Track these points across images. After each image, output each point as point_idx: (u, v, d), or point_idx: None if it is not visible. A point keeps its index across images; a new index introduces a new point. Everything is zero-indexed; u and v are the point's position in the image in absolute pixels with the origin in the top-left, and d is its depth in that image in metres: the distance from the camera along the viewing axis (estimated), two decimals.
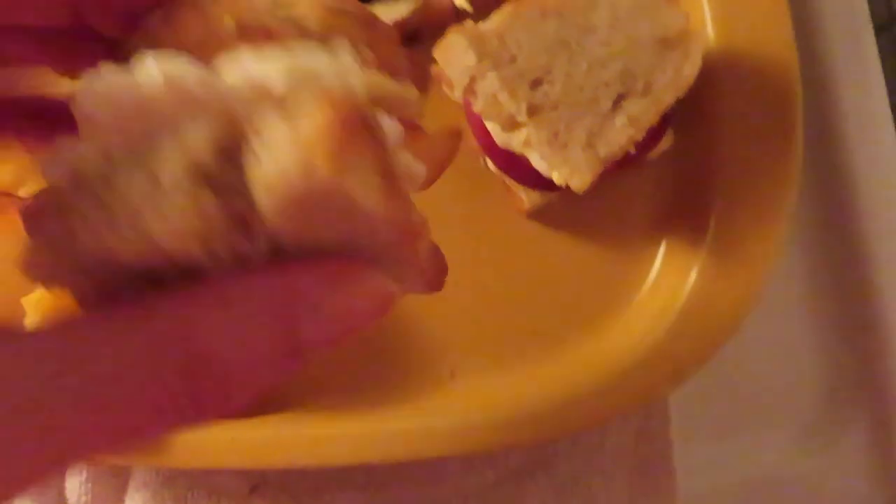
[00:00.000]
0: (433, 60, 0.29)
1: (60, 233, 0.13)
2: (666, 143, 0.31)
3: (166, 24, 0.15)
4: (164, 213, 0.12)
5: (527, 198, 0.31)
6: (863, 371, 0.35)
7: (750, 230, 0.30)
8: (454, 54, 0.28)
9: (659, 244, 0.32)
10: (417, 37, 0.33)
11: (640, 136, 0.28)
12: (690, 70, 0.27)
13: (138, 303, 0.13)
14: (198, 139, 0.13)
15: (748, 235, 0.30)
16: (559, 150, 0.28)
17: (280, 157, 0.12)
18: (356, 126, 0.13)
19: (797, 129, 0.29)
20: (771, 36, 0.30)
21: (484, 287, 0.32)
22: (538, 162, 0.29)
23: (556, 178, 0.28)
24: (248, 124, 0.13)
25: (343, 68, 0.14)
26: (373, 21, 0.16)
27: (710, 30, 0.31)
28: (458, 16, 0.33)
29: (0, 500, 0.11)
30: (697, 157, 0.31)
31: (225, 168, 0.13)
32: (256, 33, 0.14)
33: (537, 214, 0.32)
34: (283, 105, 0.13)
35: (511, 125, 0.28)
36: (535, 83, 0.28)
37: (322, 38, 0.15)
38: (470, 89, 0.28)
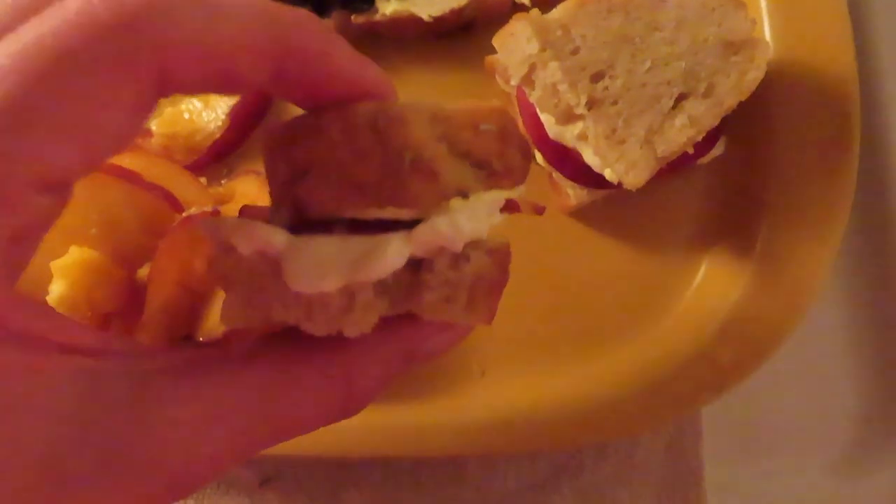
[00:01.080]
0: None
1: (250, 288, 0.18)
2: (718, 149, 0.31)
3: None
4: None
5: (573, 194, 0.30)
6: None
7: (800, 246, 0.29)
8: (516, 42, 0.27)
9: (704, 252, 0.31)
10: (473, 25, 0.33)
11: (699, 137, 0.27)
12: (755, 75, 0.27)
13: (305, 350, 0.18)
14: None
15: (797, 251, 0.29)
16: (616, 146, 0.27)
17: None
18: None
19: (853, 147, 0.29)
20: (832, 51, 0.29)
21: (521, 284, 0.31)
22: (591, 157, 0.28)
23: (610, 174, 0.28)
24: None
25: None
26: (505, 131, 0.20)
27: (769, 39, 0.30)
28: (515, 7, 0.32)
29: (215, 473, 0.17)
30: (749, 167, 0.30)
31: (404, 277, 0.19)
32: (425, 166, 0.18)
33: (581, 214, 0.31)
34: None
35: (567, 118, 0.28)
36: (597, 77, 0.27)
37: (465, 154, 0.19)
38: (528, 78, 0.28)
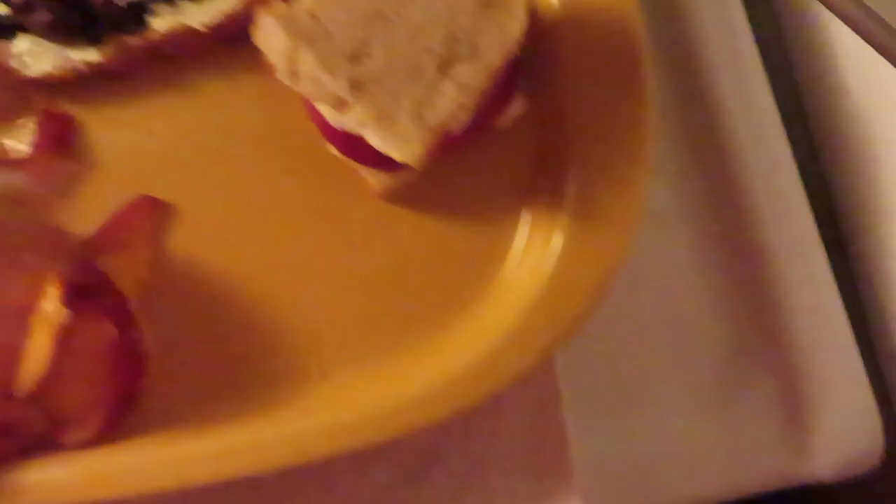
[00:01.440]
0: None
1: None
2: (517, 109, 0.30)
3: None
4: None
5: (375, 180, 0.30)
6: (762, 332, 0.33)
7: (609, 189, 0.29)
8: (270, 38, 0.27)
9: (521, 214, 0.30)
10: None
11: (471, 101, 0.26)
12: (516, 27, 0.26)
13: None
14: None
15: (608, 194, 0.28)
16: (388, 125, 0.26)
17: None
18: None
19: (645, 79, 0.28)
20: None
21: (347, 278, 0.30)
22: (374, 140, 0.28)
23: (392, 154, 0.27)
24: None
25: None
26: None
27: None
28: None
29: None
30: (550, 121, 0.30)
31: None
32: None
33: (395, 197, 0.31)
34: None
35: (340, 105, 0.27)
36: (355, 57, 0.26)
37: None
38: (292, 72, 0.27)
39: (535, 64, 0.30)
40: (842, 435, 0.33)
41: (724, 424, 0.33)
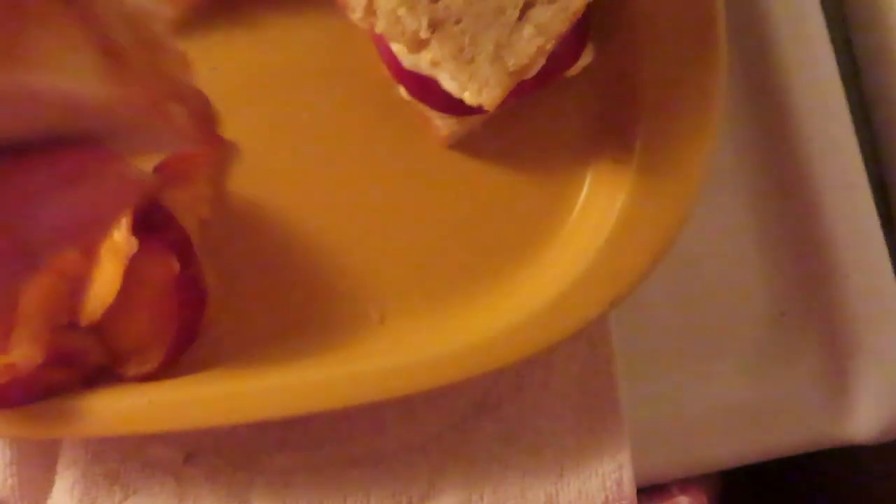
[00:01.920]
0: None
1: None
2: (586, 58, 0.30)
3: None
4: None
5: (444, 125, 0.29)
6: (810, 294, 0.34)
7: (677, 144, 0.28)
8: None
9: (587, 165, 0.30)
10: None
11: (550, 45, 0.26)
12: None
13: None
14: None
15: (675, 150, 0.28)
16: (466, 66, 0.26)
17: None
18: None
19: (720, 36, 0.28)
20: None
21: (409, 224, 0.30)
22: (448, 82, 0.27)
23: (468, 97, 0.27)
24: None
25: None
26: None
27: None
28: None
29: None
30: (619, 72, 0.29)
31: None
32: None
33: (459, 145, 0.31)
34: None
35: (416, 45, 0.27)
36: None
37: None
38: (370, 9, 0.27)
39: (608, 13, 0.29)
40: (882, 400, 0.33)
41: (769, 385, 0.33)
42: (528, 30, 0.26)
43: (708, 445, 0.33)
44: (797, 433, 0.33)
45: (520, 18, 0.26)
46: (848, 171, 0.33)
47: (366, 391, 0.30)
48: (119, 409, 0.28)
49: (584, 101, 0.30)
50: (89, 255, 0.27)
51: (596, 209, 0.30)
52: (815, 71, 0.33)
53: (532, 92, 0.29)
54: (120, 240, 0.28)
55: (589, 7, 0.29)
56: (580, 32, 0.29)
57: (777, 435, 0.33)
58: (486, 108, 0.26)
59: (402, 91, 0.29)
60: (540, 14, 0.26)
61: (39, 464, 0.33)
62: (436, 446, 0.33)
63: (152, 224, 0.29)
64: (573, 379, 0.33)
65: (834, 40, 0.34)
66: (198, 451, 0.34)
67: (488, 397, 0.33)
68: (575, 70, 0.30)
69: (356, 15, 0.27)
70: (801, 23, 0.33)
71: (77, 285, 0.28)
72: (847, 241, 0.32)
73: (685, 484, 0.33)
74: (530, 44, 0.26)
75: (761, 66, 0.33)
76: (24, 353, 0.28)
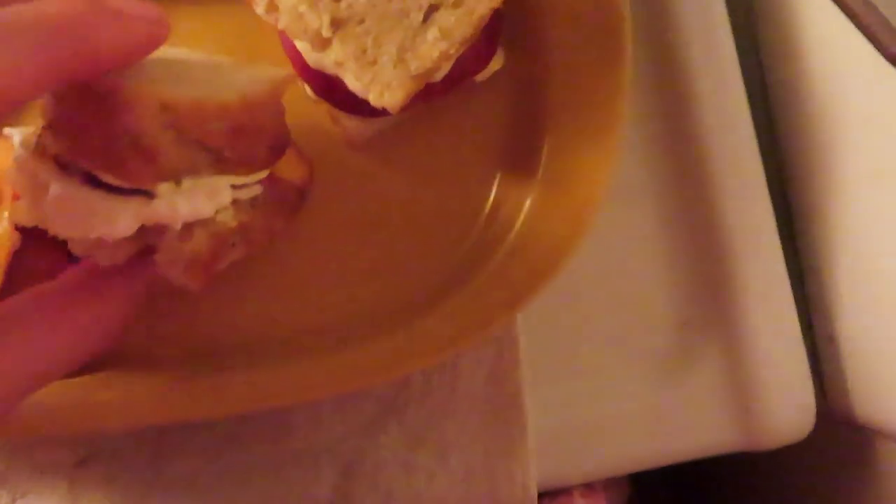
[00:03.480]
0: None
1: None
2: (497, 63, 0.30)
3: None
4: None
5: (351, 126, 0.29)
6: (711, 304, 0.35)
7: (582, 152, 0.29)
8: None
9: (495, 170, 0.30)
10: None
11: (454, 49, 0.26)
12: None
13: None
14: None
15: (580, 158, 0.29)
16: (369, 67, 0.26)
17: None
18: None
19: (625, 46, 0.28)
20: None
21: (312, 224, 0.30)
22: (353, 83, 0.27)
23: (371, 98, 0.27)
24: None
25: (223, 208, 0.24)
26: (239, 129, 0.23)
27: None
28: None
29: None
30: (529, 78, 0.29)
31: None
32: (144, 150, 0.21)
33: (367, 146, 0.30)
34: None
35: (320, 43, 0.26)
36: None
37: (197, 142, 0.22)
38: (272, 5, 0.26)
39: (518, 19, 0.29)
40: (780, 407, 0.35)
41: (671, 392, 0.34)
42: (431, 33, 0.26)
43: (610, 451, 0.33)
44: (698, 439, 0.34)
45: (424, 21, 0.26)
46: (749, 187, 0.34)
47: (267, 396, 0.29)
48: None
49: (493, 105, 0.30)
50: None
51: (502, 214, 0.30)
52: (721, 87, 0.34)
53: (441, 95, 0.29)
54: (2, 233, 0.27)
55: (499, 13, 0.29)
56: (490, 37, 0.29)
57: (678, 440, 0.34)
58: (389, 110, 0.26)
59: (308, 90, 0.29)
60: (444, 18, 0.26)
61: None
62: (342, 450, 0.33)
63: None
64: (480, 384, 0.33)
65: (742, 58, 0.35)
66: (93, 454, 0.33)
67: (396, 401, 0.33)
68: (485, 75, 0.30)
69: (259, 10, 0.27)
70: (709, 35, 0.34)
71: None
72: (746, 254, 0.33)
73: (588, 490, 0.33)
74: (434, 48, 0.26)
75: (669, 82, 0.34)
76: None
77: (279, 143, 0.26)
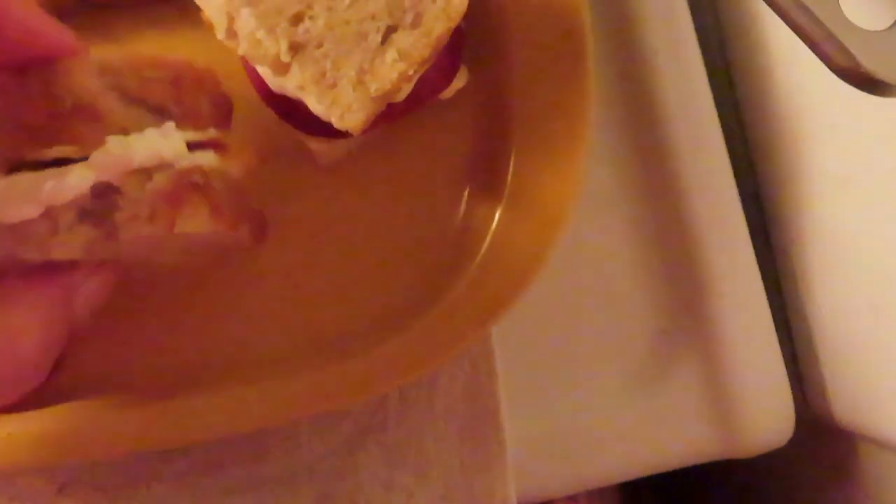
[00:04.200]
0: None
1: None
2: (460, 81, 0.30)
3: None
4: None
5: (317, 147, 0.29)
6: (688, 312, 0.35)
7: (548, 165, 0.29)
8: None
9: (463, 186, 0.30)
10: None
11: (413, 70, 0.26)
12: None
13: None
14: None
15: (547, 171, 0.29)
16: (329, 91, 0.26)
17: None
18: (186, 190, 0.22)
19: (587, 59, 0.28)
20: None
21: (284, 244, 0.30)
22: (315, 105, 0.27)
23: (334, 121, 0.27)
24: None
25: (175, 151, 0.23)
26: (178, 78, 0.24)
27: None
28: None
29: None
30: (493, 94, 0.29)
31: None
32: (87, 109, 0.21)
33: (334, 166, 0.31)
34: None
35: (279, 68, 0.26)
36: (296, 19, 0.25)
37: (141, 100, 0.23)
38: (231, 31, 0.26)
39: (479, 37, 0.29)
40: (759, 414, 0.35)
41: (650, 402, 0.34)
42: (390, 55, 0.26)
43: (590, 462, 0.33)
44: (678, 447, 0.34)
45: (382, 43, 0.26)
46: (722, 198, 0.34)
47: (243, 420, 0.29)
48: None
49: (459, 122, 0.30)
50: None
51: (472, 229, 0.30)
52: (690, 99, 0.34)
53: (405, 114, 0.29)
54: None
55: (460, 30, 0.29)
56: (452, 56, 0.29)
57: (659, 449, 0.34)
58: (351, 132, 0.26)
59: (272, 112, 0.29)
60: (402, 39, 0.26)
61: None
62: (321, 470, 0.33)
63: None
64: (457, 399, 0.33)
65: (708, 64, 0.35)
66: (71, 481, 0.33)
67: (373, 420, 0.33)
68: (449, 92, 0.30)
69: (220, 35, 0.27)
70: (675, 47, 0.34)
71: None
72: (721, 262, 0.33)
73: (571, 501, 0.33)
74: (393, 69, 0.26)
75: (638, 94, 0.34)
76: None
77: (222, 101, 0.26)
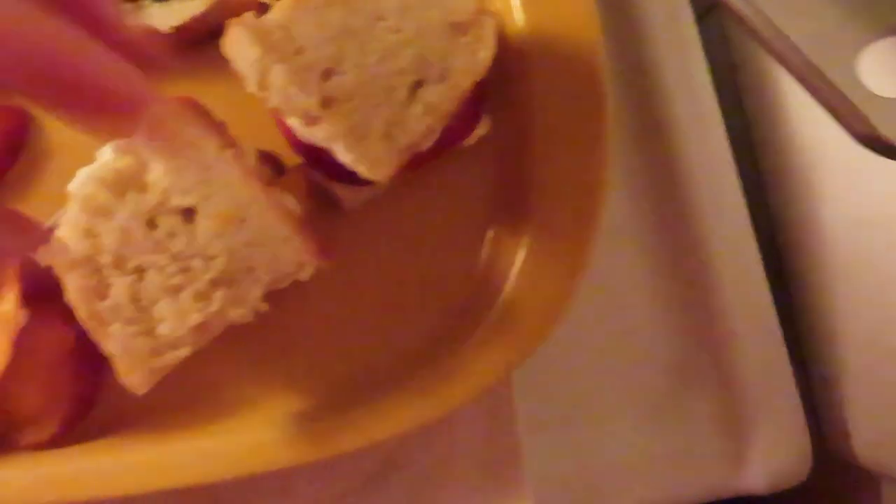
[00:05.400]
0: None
1: None
2: (482, 129, 0.31)
3: None
4: None
5: (343, 193, 0.30)
6: (704, 351, 0.35)
7: (569, 209, 0.29)
8: (240, 48, 0.27)
9: (486, 231, 0.31)
10: (221, 31, 0.32)
11: (439, 123, 0.27)
12: (485, 53, 0.27)
13: None
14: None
15: (568, 214, 0.29)
16: (358, 143, 0.27)
17: None
18: None
19: (606, 105, 0.29)
20: (575, 17, 0.29)
21: (309, 286, 0.31)
22: (344, 155, 0.28)
23: (361, 171, 0.27)
24: None
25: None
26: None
27: (519, 12, 0.30)
28: (261, 7, 0.32)
29: None
30: (514, 142, 0.30)
31: None
32: None
33: (361, 210, 0.31)
34: None
35: (310, 120, 0.27)
36: (327, 74, 0.26)
37: None
38: (262, 84, 0.27)
39: (501, 86, 0.30)
40: (775, 450, 0.35)
41: (667, 438, 0.34)
42: (417, 108, 0.27)
43: (609, 498, 0.34)
44: (694, 484, 0.34)
45: (410, 97, 0.27)
46: (737, 232, 0.34)
47: (269, 459, 0.30)
48: (10, 479, 0.28)
49: (481, 169, 0.31)
50: None
51: (495, 274, 0.30)
52: (706, 141, 0.34)
53: (429, 162, 0.30)
54: (8, 311, 0.28)
55: (483, 82, 0.30)
56: (475, 106, 0.30)
57: (675, 486, 0.34)
58: (381, 181, 0.27)
59: (300, 161, 0.30)
60: (429, 93, 0.27)
61: None
62: None
63: (46, 292, 0.29)
64: (478, 438, 0.33)
65: (724, 106, 0.36)
66: None
67: (395, 458, 0.33)
68: (472, 140, 0.31)
69: (251, 88, 0.28)
70: (692, 94, 0.34)
71: None
72: (738, 302, 0.34)
73: None
74: (420, 122, 0.27)
75: (655, 137, 0.35)
76: None
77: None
